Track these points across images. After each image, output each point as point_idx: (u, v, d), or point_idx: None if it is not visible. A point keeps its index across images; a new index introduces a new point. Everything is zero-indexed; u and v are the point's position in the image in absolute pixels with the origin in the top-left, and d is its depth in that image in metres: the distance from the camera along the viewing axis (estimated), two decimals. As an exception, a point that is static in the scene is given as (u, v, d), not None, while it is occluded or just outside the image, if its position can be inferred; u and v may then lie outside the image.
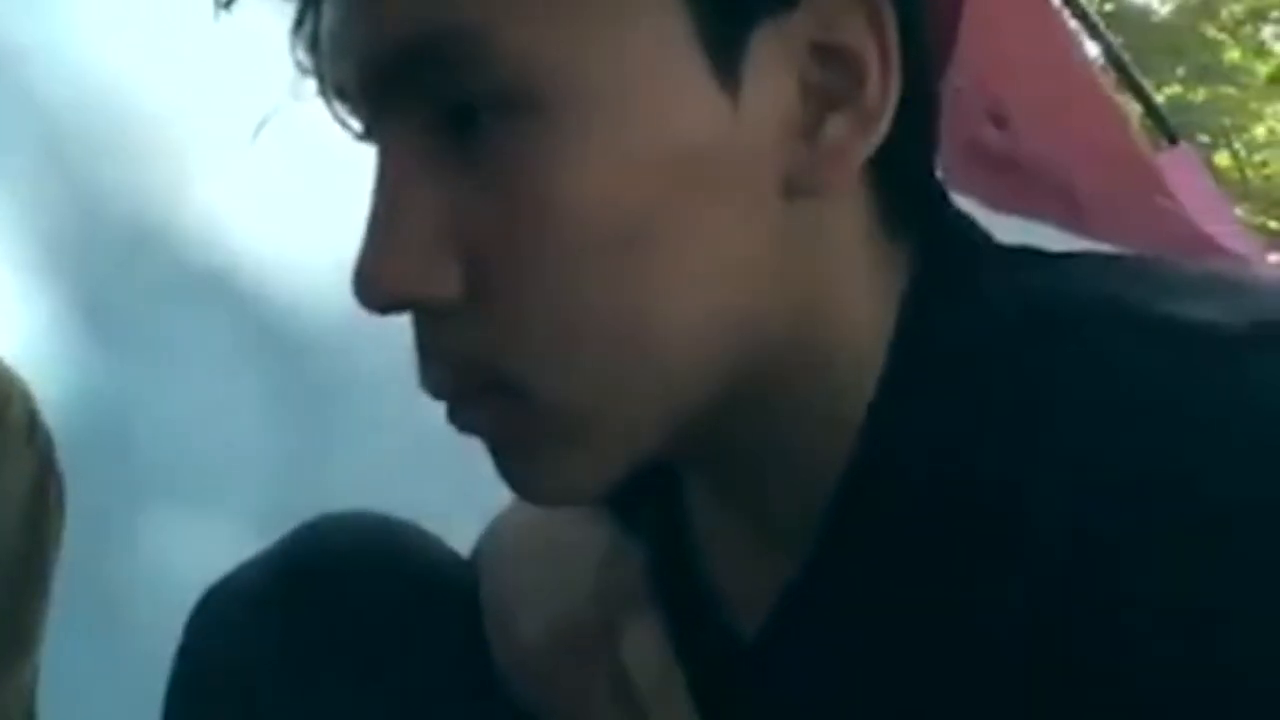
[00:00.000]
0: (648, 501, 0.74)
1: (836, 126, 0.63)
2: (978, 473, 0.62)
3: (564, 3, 0.59)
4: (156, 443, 1.78)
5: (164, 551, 1.77)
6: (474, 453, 0.66)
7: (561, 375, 0.61)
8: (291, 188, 1.78)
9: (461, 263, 0.61)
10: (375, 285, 0.61)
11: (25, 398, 1.12)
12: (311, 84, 0.65)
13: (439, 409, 0.65)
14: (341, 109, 0.65)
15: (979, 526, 0.62)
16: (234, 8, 0.64)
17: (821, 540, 0.67)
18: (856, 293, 0.66)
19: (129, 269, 1.80)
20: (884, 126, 0.63)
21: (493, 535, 0.84)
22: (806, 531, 0.67)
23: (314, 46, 0.64)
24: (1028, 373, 0.62)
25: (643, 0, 0.60)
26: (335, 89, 0.64)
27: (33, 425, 1.11)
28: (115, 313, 1.79)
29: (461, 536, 0.85)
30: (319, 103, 0.66)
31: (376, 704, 0.78)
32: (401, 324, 0.63)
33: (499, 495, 0.69)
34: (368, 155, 0.64)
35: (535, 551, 0.79)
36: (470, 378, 0.63)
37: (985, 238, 0.70)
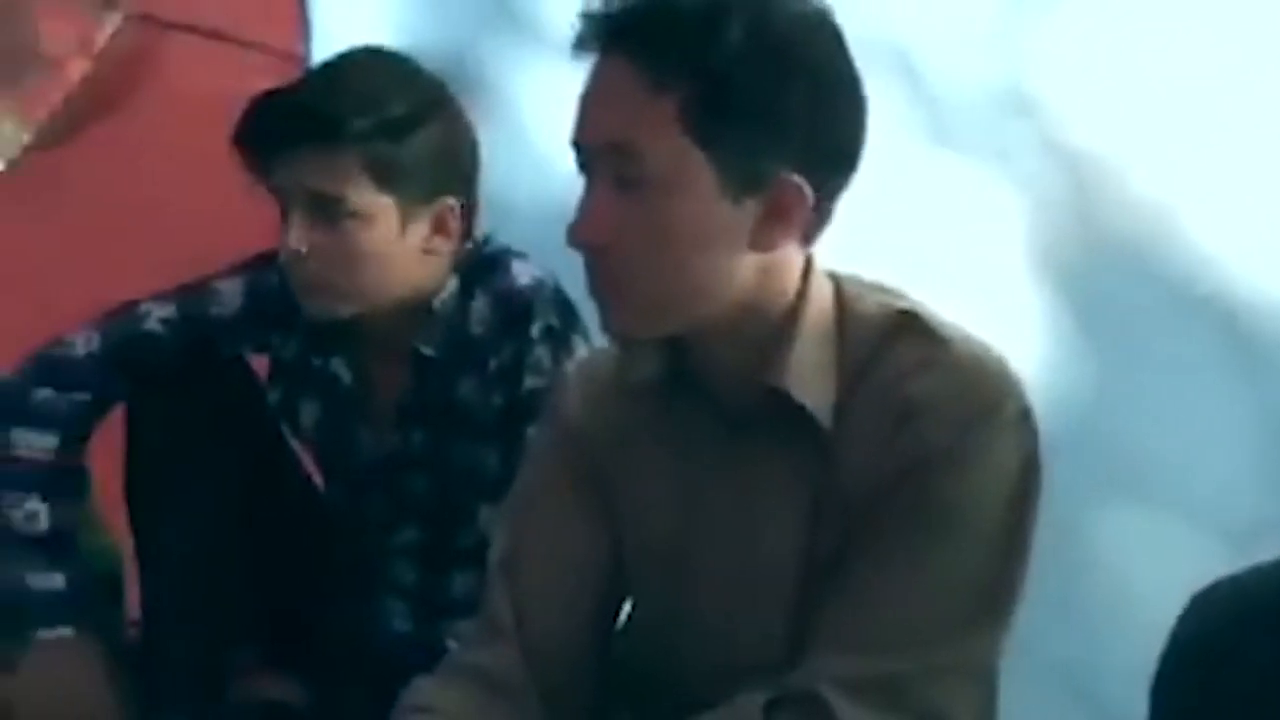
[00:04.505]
0: None
1: None
2: None
3: None
4: (1130, 447, 1.87)
5: (1122, 550, 1.86)
6: None
7: None
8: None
9: None
10: None
11: (1020, 394, 1.27)
12: None
13: None
14: None
15: None
16: None
17: None
18: None
19: (1127, 284, 1.90)
20: None
21: None
22: None
23: None
24: None
25: None
26: None
27: (1024, 417, 1.27)
28: (1108, 323, 1.91)
29: None
30: None
31: None
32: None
33: None
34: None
35: None
36: None
37: None
